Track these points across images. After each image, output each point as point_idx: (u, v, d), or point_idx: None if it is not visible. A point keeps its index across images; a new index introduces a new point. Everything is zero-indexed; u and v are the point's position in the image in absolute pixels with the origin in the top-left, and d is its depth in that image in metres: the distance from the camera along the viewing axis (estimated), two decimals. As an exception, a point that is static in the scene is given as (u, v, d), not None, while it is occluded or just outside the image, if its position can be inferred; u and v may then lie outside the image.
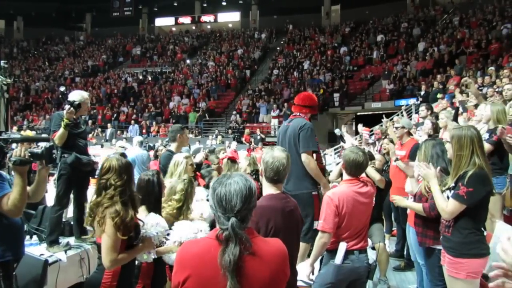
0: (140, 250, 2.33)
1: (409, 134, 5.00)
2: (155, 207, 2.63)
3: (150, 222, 2.41)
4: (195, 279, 1.45)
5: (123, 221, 2.15)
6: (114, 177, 2.23)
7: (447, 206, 2.47)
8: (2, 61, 4.42)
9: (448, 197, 2.53)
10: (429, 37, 19.67)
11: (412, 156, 4.18)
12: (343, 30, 24.81)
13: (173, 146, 3.97)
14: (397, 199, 3.27)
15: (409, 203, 3.11)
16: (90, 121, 19.46)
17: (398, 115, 12.61)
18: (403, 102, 15.95)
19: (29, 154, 2.23)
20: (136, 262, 2.50)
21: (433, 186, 2.57)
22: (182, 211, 2.89)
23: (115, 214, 2.15)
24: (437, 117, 5.37)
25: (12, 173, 2.29)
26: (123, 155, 2.41)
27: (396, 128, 4.96)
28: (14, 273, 2.74)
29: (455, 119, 4.64)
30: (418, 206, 2.92)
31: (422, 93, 13.06)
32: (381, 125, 6.75)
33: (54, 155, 2.37)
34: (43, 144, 2.37)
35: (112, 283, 2.24)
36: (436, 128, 4.92)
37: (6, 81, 4.16)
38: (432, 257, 2.88)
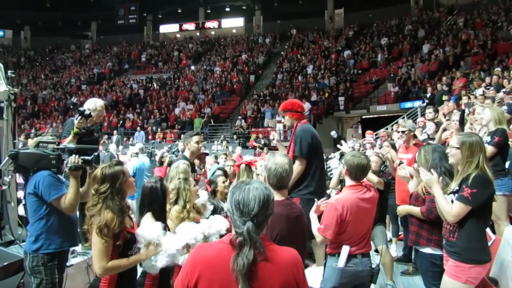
0: (138, 259, 2.32)
1: (415, 137, 4.97)
2: (160, 214, 2.63)
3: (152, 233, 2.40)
4: (206, 282, 1.47)
5: (108, 229, 2.20)
6: (97, 184, 2.32)
7: (452, 208, 2.46)
8: (9, 71, 4.47)
9: (452, 201, 2.52)
10: (434, 39, 19.60)
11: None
12: (347, 33, 24.82)
13: (186, 153, 3.99)
14: (400, 210, 3.21)
15: (408, 207, 3.09)
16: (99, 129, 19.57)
17: (403, 118, 12.56)
18: (408, 104, 15.89)
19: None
20: (141, 270, 2.50)
21: (436, 191, 2.55)
22: (183, 211, 2.88)
23: (98, 222, 2.21)
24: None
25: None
26: (118, 163, 2.46)
27: (403, 132, 4.92)
28: (21, 281, 2.80)
29: (461, 121, 4.61)
30: (417, 210, 2.92)
31: (428, 95, 13.00)
32: (386, 128, 6.73)
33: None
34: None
35: None
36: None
37: (13, 90, 4.20)
38: (424, 262, 2.88)
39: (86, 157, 2.71)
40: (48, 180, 2.63)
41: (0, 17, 31.80)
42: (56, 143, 2.85)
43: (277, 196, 2.29)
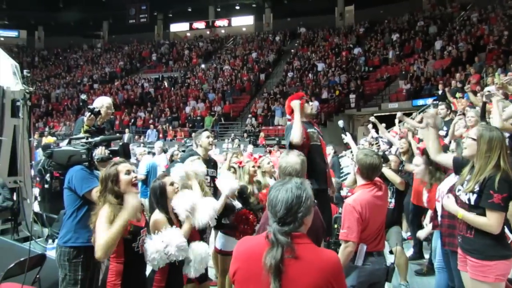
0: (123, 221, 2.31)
1: None
2: (166, 210, 2.69)
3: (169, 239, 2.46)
4: (243, 272, 1.55)
5: (109, 221, 2.27)
6: (99, 187, 2.46)
7: (489, 220, 2.33)
8: (25, 70, 4.55)
9: (469, 200, 2.43)
10: (446, 35, 19.29)
11: None
12: (357, 30, 24.59)
13: (199, 150, 4.02)
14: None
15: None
16: (109, 127, 19.80)
17: (416, 115, 12.38)
18: (420, 102, 15.67)
19: (109, 152, 2.83)
20: (151, 267, 2.54)
21: (462, 213, 2.47)
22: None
23: (99, 215, 2.32)
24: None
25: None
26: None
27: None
28: (37, 276, 2.85)
29: (482, 115, 4.46)
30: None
31: (440, 92, 12.79)
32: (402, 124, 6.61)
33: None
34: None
35: (116, 282, 2.36)
36: None
37: (28, 89, 4.27)
38: None
39: (113, 148, 2.88)
40: (80, 174, 2.75)
41: (15, 18, 32.47)
42: (85, 138, 2.94)
43: None
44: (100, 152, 2.80)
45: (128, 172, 2.44)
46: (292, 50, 25.51)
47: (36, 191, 4.45)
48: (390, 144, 7.92)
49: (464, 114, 4.91)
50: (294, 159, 2.32)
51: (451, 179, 3.13)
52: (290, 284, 1.44)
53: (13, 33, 34.31)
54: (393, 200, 4.17)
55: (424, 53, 18.64)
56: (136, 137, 19.30)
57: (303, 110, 3.47)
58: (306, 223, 1.55)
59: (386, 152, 5.91)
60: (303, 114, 3.46)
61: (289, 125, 3.54)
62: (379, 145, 7.72)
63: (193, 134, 16.21)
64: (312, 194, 1.56)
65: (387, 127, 10.56)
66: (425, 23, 21.38)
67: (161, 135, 18.89)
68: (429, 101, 14.24)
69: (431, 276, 4.47)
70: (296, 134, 3.25)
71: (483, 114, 4.38)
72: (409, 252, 4.86)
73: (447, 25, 20.62)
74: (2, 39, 31.56)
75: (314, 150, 3.40)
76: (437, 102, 11.41)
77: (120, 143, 2.95)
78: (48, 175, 2.98)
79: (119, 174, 2.41)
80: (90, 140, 2.90)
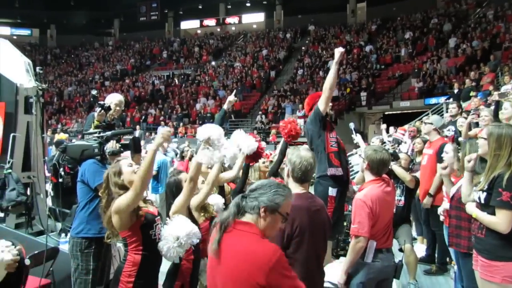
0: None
1: (438, 133, 4.84)
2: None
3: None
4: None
5: (121, 210, 2.30)
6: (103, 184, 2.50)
7: (498, 218, 2.30)
8: (37, 67, 4.61)
9: (479, 198, 2.41)
10: (461, 32, 18.96)
11: (439, 155, 4.05)
12: (369, 28, 24.35)
13: None
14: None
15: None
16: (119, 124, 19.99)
17: (427, 114, 12.23)
18: (433, 100, 15.46)
19: (120, 146, 2.93)
20: (173, 261, 2.54)
21: (476, 213, 2.45)
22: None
23: (112, 209, 2.33)
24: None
25: None
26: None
27: (425, 123, 4.82)
28: (50, 269, 2.90)
29: (495, 115, 4.39)
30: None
31: (456, 91, 12.58)
32: (414, 122, 6.55)
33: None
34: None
35: (131, 272, 2.35)
36: None
37: (41, 86, 4.33)
38: (469, 262, 2.72)
39: (123, 142, 2.99)
40: (92, 168, 2.85)
41: (28, 17, 33.11)
42: (97, 132, 3.04)
43: (298, 189, 2.30)
44: (111, 146, 2.90)
45: (130, 165, 2.49)
46: (303, 47, 25.40)
47: (48, 186, 4.54)
48: (399, 142, 7.86)
49: (478, 115, 4.83)
50: (306, 153, 2.31)
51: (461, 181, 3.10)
52: None
53: (26, 32, 34.93)
54: (402, 198, 4.14)
55: (438, 51, 18.37)
56: (147, 134, 19.45)
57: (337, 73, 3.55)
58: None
59: (396, 151, 5.86)
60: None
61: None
62: (393, 145, 7.65)
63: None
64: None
65: (398, 126, 10.47)
66: (439, 21, 21.06)
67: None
68: (442, 99, 14.05)
69: (440, 276, 4.44)
70: (328, 85, 3.42)
71: (496, 114, 4.31)
72: (421, 252, 4.79)
73: (462, 22, 20.27)
74: (15, 37, 32.00)
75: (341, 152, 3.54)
76: (449, 101, 11.28)
77: (131, 137, 3.06)
78: (61, 169, 3.05)
79: (121, 167, 2.45)
80: (102, 134, 2.99)
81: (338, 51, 3.39)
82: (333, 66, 3.48)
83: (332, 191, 3.43)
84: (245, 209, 1.71)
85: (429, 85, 16.62)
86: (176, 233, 2.34)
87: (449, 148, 3.63)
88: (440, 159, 3.86)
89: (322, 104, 3.47)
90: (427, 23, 21.70)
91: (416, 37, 20.74)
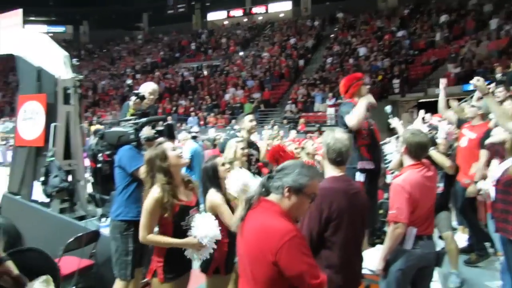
0: (181, 244, 2.41)
1: (482, 118, 4.61)
2: (220, 189, 2.75)
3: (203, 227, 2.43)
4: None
5: (157, 203, 2.34)
6: (145, 168, 2.50)
7: None
8: (74, 59, 4.78)
9: None
10: (504, 12, 17.84)
11: (482, 141, 3.86)
12: (401, 12, 23.45)
13: (243, 133, 4.08)
14: None
15: None
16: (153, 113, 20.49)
17: (466, 101, 11.68)
18: (472, 86, 14.69)
19: (155, 132, 2.99)
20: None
21: None
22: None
23: (147, 198, 2.39)
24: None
25: None
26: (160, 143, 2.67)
27: (473, 106, 4.59)
28: (93, 251, 3.03)
29: None
30: None
31: (498, 75, 11.91)
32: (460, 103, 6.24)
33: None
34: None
35: (159, 260, 2.43)
36: None
37: (78, 77, 4.49)
38: None
39: (159, 129, 3.06)
40: (128, 153, 2.94)
41: (62, 14, 34.48)
42: (133, 119, 3.11)
43: (334, 172, 2.25)
44: (146, 132, 2.95)
45: (174, 149, 2.52)
46: (332, 35, 24.85)
47: (88, 174, 4.71)
48: (436, 129, 7.55)
49: None
50: (342, 135, 2.26)
51: (507, 163, 2.94)
52: None
53: (60, 29, 36.31)
54: (441, 184, 3.99)
55: (477, 34, 17.42)
56: (178, 124, 19.80)
57: (360, 91, 3.50)
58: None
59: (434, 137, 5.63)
60: (360, 96, 3.55)
61: (347, 102, 3.64)
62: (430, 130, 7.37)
63: (233, 121, 16.36)
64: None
65: (433, 114, 10.05)
66: (479, 2, 19.94)
67: (202, 123, 19.27)
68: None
69: (482, 264, 4.27)
70: (355, 119, 3.45)
71: None
72: (462, 242, 4.60)
73: (505, 2, 19.07)
74: (51, 34, 33.29)
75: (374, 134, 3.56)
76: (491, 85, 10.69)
77: (165, 124, 3.13)
78: (100, 155, 3.15)
79: (166, 152, 2.47)
80: (137, 121, 3.06)
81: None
82: (363, 102, 3.52)
83: (360, 177, 3.38)
84: (270, 189, 1.75)
85: (467, 70, 15.84)
86: (200, 234, 2.37)
87: (498, 130, 3.43)
88: (483, 145, 3.69)
89: (350, 123, 3.53)
90: (465, 4, 20.63)
91: (452, 20, 19.76)
